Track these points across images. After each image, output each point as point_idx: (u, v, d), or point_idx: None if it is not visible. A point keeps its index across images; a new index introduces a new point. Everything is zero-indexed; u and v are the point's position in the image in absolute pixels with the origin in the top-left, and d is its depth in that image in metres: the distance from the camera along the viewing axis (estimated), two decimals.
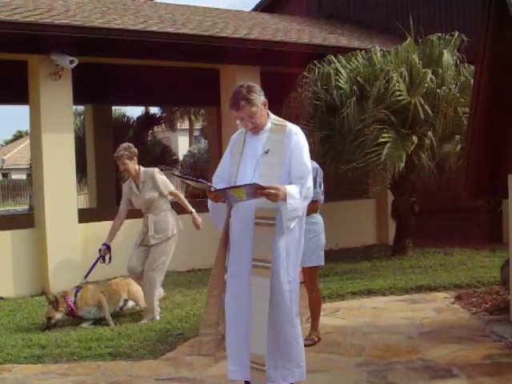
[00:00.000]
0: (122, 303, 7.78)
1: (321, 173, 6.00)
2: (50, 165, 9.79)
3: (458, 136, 10.19)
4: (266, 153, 4.25)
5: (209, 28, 11.78)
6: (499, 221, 11.51)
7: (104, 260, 7.57)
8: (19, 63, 10.11)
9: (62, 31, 9.59)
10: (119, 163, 7.53)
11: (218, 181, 4.39)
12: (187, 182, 4.35)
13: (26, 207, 27.75)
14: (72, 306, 7.31)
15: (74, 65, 9.55)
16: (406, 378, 5.07)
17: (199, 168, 27.56)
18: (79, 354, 6.06)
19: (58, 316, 7.33)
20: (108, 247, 7.55)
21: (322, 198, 5.97)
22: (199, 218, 7.64)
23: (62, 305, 7.30)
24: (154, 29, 10.71)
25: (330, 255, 11.34)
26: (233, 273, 4.30)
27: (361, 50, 11.18)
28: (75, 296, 7.37)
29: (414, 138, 9.96)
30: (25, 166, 39.09)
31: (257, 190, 3.96)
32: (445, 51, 10.48)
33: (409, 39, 10.65)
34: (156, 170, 7.65)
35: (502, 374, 5.03)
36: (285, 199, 4.04)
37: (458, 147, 10.03)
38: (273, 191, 3.98)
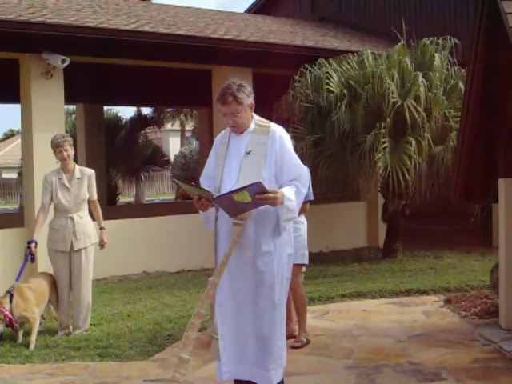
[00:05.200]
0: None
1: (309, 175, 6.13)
2: (41, 164, 9.73)
3: (448, 139, 10.21)
4: (248, 154, 4.23)
5: (202, 29, 11.77)
6: (489, 225, 11.55)
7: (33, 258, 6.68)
8: (11, 62, 10.07)
9: (54, 30, 9.57)
10: (61, 150, 6.70)
11: (206, 181, 4.41)
12: (189, 188, 4.19)
13: (17, 206, 27.65)
14: (10, 316, 6.31)
15: (66, 64, 9.54)
16: (394, 381, 5.08)
17: (190, 169, 27.60)
18: (68, 354, 6.04)
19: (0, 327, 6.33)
20: (36, 244, 6.69)
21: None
22: (106, 238, 7.00)
23: None
24: (147, 29, 10.69)
25: (320, 257, 11.39)
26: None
27: (353, 52, 11.21)
28: (10, 303, 6.37)
29: (412, 141, 9.97)
30: (16, 165, 38.99)
31: (257, 194, 3.91)
32: (436, 55, 10.50)
33: (400, 42, 10.67)
34: (93, 171, 7.04)
35: (490, 378, 5.05)
36: (282, 202, 4.05)
37: (449, 150, 10.05)
38: (271, 195, 3.97)
